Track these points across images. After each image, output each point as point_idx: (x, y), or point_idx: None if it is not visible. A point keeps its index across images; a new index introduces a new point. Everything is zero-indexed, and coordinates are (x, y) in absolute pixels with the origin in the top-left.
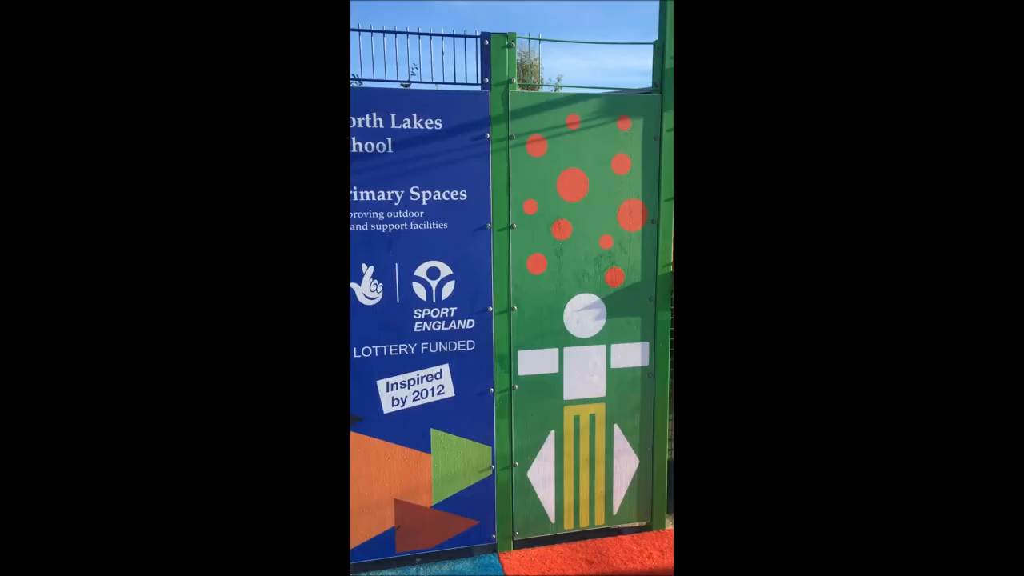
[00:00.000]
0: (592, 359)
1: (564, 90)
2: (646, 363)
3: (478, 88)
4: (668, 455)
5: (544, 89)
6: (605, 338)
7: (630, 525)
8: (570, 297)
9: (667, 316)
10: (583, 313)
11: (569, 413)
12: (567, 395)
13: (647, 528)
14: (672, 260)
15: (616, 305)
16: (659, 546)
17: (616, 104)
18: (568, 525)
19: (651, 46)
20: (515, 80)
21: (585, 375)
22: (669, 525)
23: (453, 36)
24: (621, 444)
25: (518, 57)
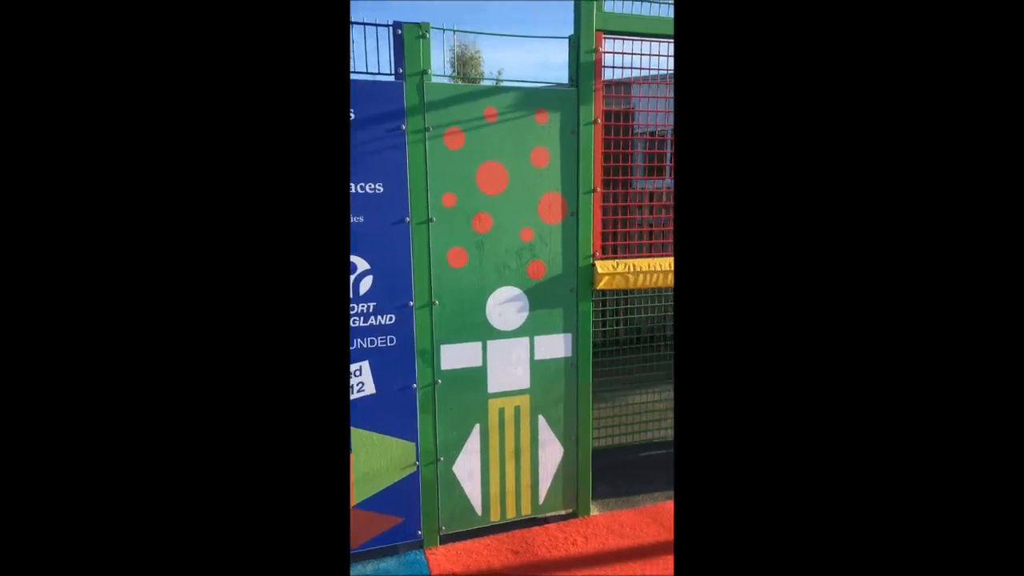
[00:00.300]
0: (515, 351)
1: (504, 83)
2: (569, 354)
3: (391, 79)
4: (591, 443)
5: (485, 82)
6: (528, 330)
7: (556, 513)
8: (492, 290)
9: (588, 307)
10: (506, 306)
11: (494, 406)
12: (491, 388)
13: (573, 515)
14: (592, 252)
15: (538, 297)
16: (583, 532)
17: (533, 98)
18: (495, 517)
19: (567, 40)
20: (430, 71)
21: (509, 367)
22: (594, 511)
23: (364, 24)
24: (546, 434)
25: (457, 50)
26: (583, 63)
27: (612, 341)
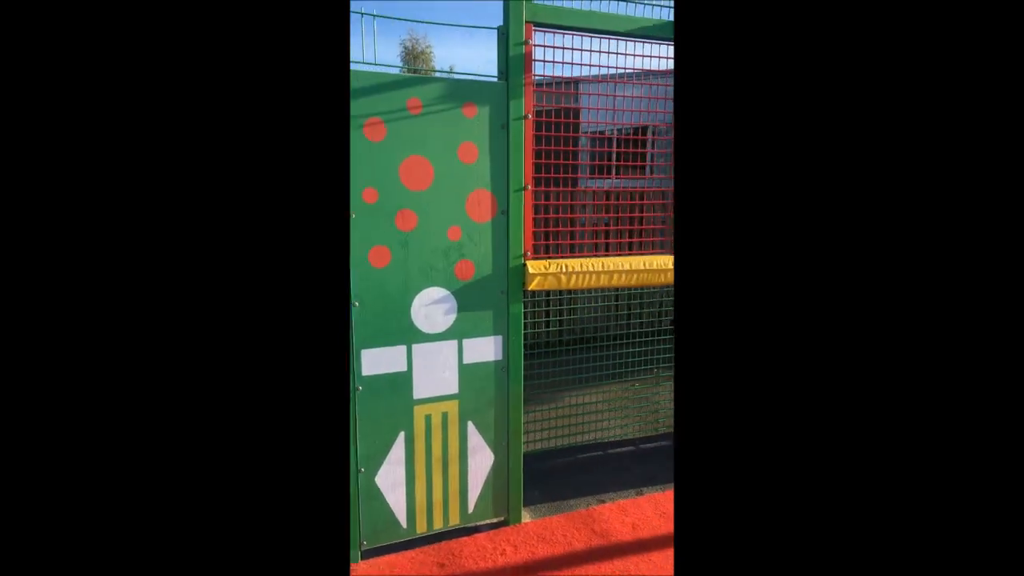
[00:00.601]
0: (443, 355)
1: (455, 77)
2: (499, 357)
3: None
4: (523, 448)
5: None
6: (456, 333)
7: (487, 522)
8: (418, 291)
9: (519, 309)
10: (432, 308)
11: (420, 412)
12: (417, 394)
13: (504, 523)
14: (524, 252)
15: (467, 299)
16: (513, 541)
17: (460, 90)
18: (421, 528)
19: (496, 31)
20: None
21: (436, 372)
22: (526, 518)
23: None
24: (476, 440)
25: (408, 43)
26: (512, 56)
27: (555, 342)
